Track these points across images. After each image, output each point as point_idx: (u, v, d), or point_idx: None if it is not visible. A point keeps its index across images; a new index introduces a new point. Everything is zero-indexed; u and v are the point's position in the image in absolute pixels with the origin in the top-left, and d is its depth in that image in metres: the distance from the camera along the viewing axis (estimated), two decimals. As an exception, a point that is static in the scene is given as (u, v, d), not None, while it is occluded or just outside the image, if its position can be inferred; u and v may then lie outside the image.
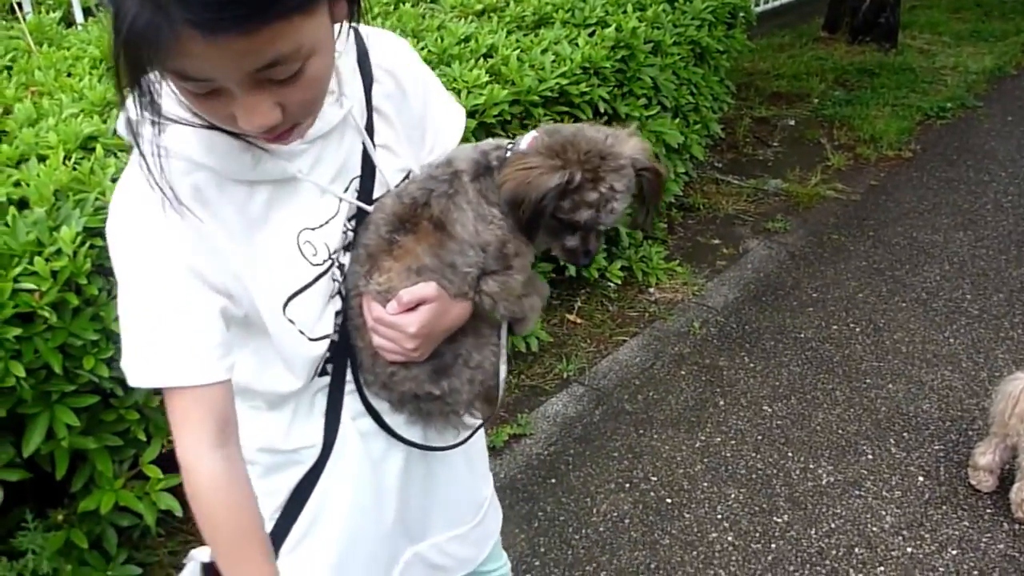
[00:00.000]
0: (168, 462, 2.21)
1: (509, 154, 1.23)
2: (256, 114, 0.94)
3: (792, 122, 5.98)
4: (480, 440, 1.54)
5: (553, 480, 2.83)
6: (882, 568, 2.50)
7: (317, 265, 1.15)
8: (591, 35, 3.43)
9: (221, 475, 1.07)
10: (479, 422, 1.41)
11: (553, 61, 3.14)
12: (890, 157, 5.45)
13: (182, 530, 2.44)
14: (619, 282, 3.83)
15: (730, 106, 5.21)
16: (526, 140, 1.23)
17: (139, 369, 1.06)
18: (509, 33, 3.29)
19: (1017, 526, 2.64)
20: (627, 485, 2.81)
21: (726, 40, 4.44)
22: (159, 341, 1.05)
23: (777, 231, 4.49)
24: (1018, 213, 4.70)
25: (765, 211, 4.73)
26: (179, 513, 2.13)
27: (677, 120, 3.93)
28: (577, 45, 3.31)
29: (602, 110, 3.35)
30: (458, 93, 2.78)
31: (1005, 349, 3.46)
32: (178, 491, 2.18)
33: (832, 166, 5.26)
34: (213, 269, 1.06)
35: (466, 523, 1.52)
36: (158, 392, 1.15)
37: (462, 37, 3.15)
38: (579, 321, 3.67)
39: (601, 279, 3.81)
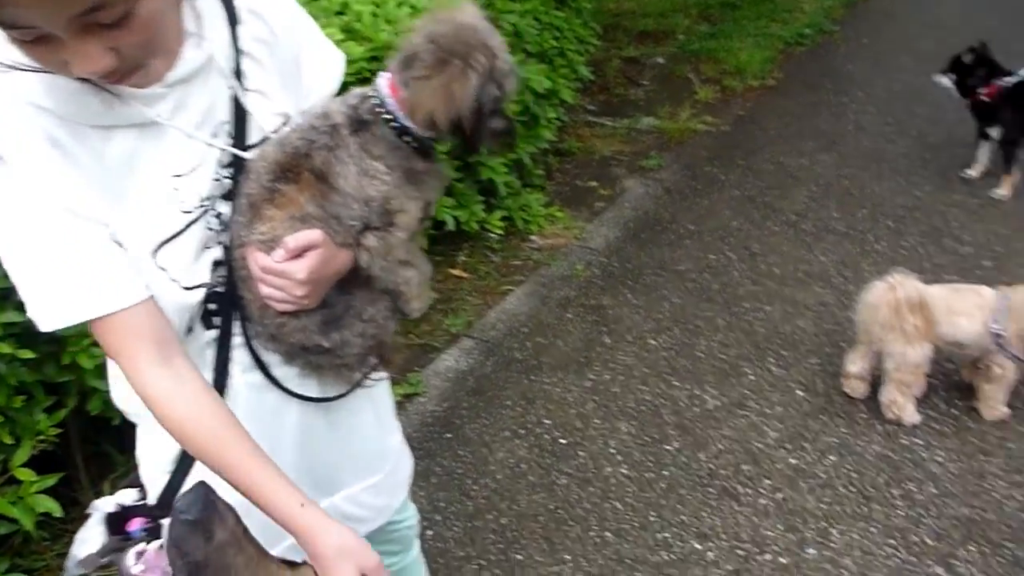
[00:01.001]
0: (43, 463, 2.12)
1: (376, 102, 1.20)
2: (87, 60, 0.92)
3: (661, 60, 6.07)
4: (384, 389, 1.53)
5: (449, 435, 2.84)
6: (768, 481, 2.61)
7: (188, 212, 1.12)
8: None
9: (174, 394, 1.08)
10: (375, 378, 1.40)
11: (409, 14, 3.08)
12: (755, 87, 5.61)
13: (67, 531, 2.35)
14: (501, 232, 3.83)
15: (597, 48, 5.25)
16: (384, 82, 1.20)
17: (51, 311, 1.04)
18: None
19: (888, 427, 2.79)
20: (522, 431, 2.84)
21: (586, -19, 4.45)
22: (64, 277, 1.03)
23: (652, 168, 4.56)
24: (877, 132, 4.90)
25: (639, 150, 4.80)
26: (59, 514, 2.05)
27: (543, 66, 3.93)
28: (431, -5, 3.25)
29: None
30: (312, 53, 2.70)
31: (871, 262, 3.62)
32: (57, 491, 2.10)
33: (701, 100, 5.38)
34: (86, 209, 1.04)
35: (377, 472, 1.51)
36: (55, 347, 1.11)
37: (313, -5, 3.05)
38: (464, 275, 3.67)
39: (482, 231, 3.80)
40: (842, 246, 3.80)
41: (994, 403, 2.81)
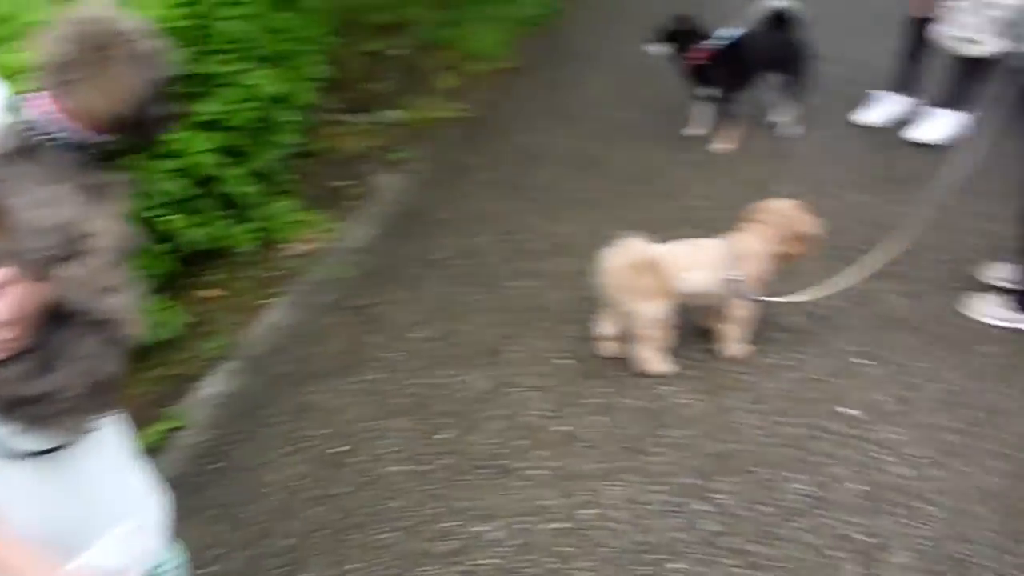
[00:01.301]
0: None
1: (34, 125, 1.13)
2: None
3: (402, 51, 6.07)
4: (114, 430, 1.44)
5: (220, 464, 2.72)
6: (541, 452, 2.70)
7: None
8: (152, -6, 3.20)
9: None
10: (102, 419, 1.32)
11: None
12: (495, 71, 5.74)
13: None
14: (253, 245, 3.71)
15: (335, 45, 5.17)
16: (41, 100, 1.13)
17: None
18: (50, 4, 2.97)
19: (644, 380, 2.97)
20: (296, 447, 2.77)
21: (309, -20, 4.36)
22: None
23: (403, 161, 4.57)
24: (611, 103, 5.17)
25: (389, 143, 4.79)
26: None
27: (275, 69, 3.82)
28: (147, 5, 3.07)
29: (188, 72, 3.16)
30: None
31: (613, 226, 3.75)
32: None
33: (445, 88, 5.43)
34: None
35: (124, 519, 1.42)
36: None
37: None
38: (218, 295, 3.51)
39: (234, 247, 3.66)
40: (588, 215, 3.99)
41: (735, 342, 3.05)
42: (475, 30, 6.22)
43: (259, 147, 3.72)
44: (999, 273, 3.41)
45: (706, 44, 4.26)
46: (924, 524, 2.41)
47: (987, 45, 3.84)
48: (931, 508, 2.46)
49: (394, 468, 2.66)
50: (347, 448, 2.75)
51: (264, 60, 3.72)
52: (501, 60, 5.86)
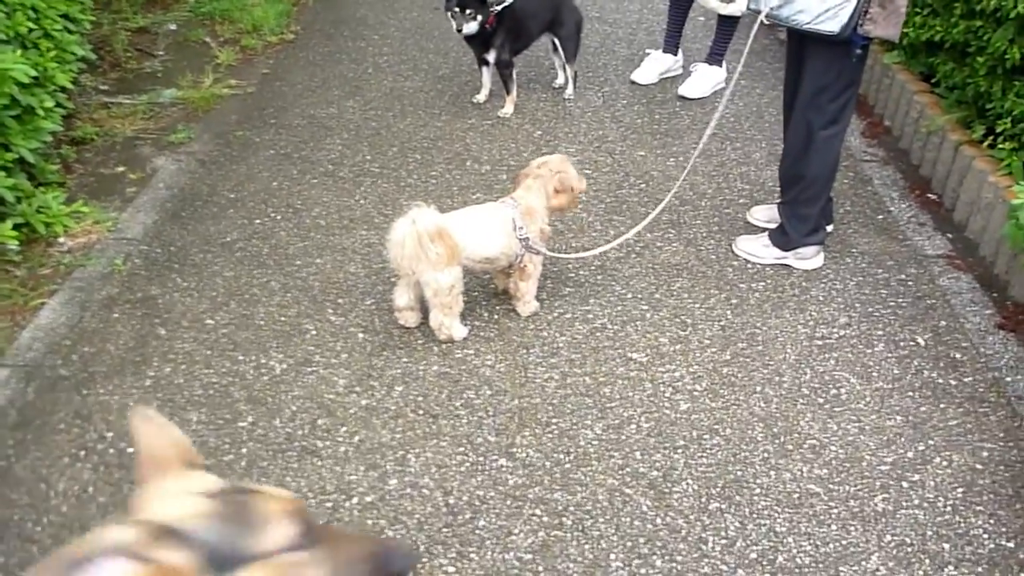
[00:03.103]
0: None
1: None
2: None
3: (173, 26, 5.75)
4: None
5: (-3, 481, 2.54)
6: (344, 428, 2.70)
7: None
8: None
9: None
10: None
11: None
12: (275, 43, 5.56)
13: None
14: (19, 243, 3.43)
15: (96, 23, 4.84)
16: None
17: None
18: None
19: (443, 346, 3.02)
20: (83, 453, 2.62)
21: (55, -47, 4.03)
22: None
23: (182, 142, 4.36)
24: (394, 71, 5.14)
25: (165, 124, 4.55)
26: None
27: (24, 52, 3.53)
28: None
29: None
30: None
31: (406, 196, 3.82)
32: None
33: (223, 64, 5.21)
34: None
35: None
36: None
37: None
38: (-18, 300, 3.24)
39: (-6, 246, 3.38)
40: (379, 186, 3.97)
41: (528, 299, 3.15)
42: (253, 2, 5.98)
43: (15, 136, 3.43)
44: (761, 214, 3.70)
45: (493, 9, 4.30)
46: (706, 453, 2.61)
47: (738, 4, 4.12)
48: (712, 437, 2.67)
49: (192, 462, 2.58)
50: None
51: (6, 43, 3.43)
52: (281, 32, 5.68)
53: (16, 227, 3.41)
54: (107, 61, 5.16)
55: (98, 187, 4.01)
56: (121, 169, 4.17)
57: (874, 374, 2.92)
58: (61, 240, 3.60)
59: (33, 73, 3.45)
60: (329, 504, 2.44)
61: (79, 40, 4.17)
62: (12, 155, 3.44)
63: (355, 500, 2.46)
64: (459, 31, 4.28)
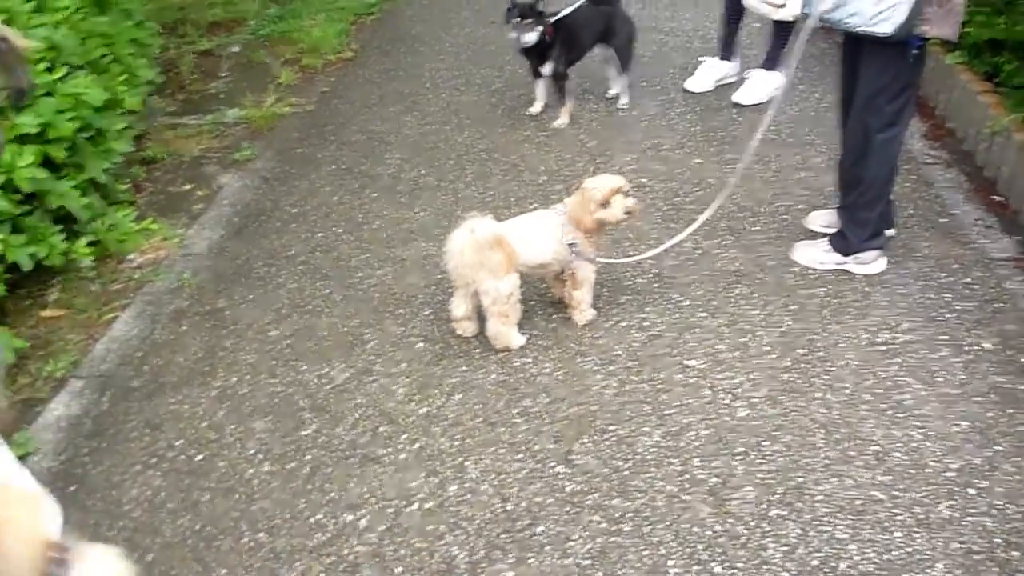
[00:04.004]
0: None
1: None
2: None
3: (236, 49, 5.93)
4: None
5: (73, 487, 2.63)
6: (405, 436, 2.74)
7: None
8: (-50, 5, 3.04)
9: None
10: None
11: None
12: (334, 62, 5.69)
13: None
14: (93, 259, 3.57)
15: (163, 47, 5.02)
16: None
17: None
18: None
19: (500, 355, 3.05)
20: (153, 460, 2.71)
21: (126, -20, 4.21)
22: None
23: (246, 160, 4.49)
24: (450, 86, 5.21)
25: (230, 143, 4.69)
26: None
27: (97, 76, 3.68)
28: (-66, 20, 2.90)
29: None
30: None
31: (463, 208, 3.85)
32: None
33: (283, 83, 5.35)
34: None
35: None
36: None
37: None
38: (59, 313, 3.38)
39: (70, 263, 3.51)
40: (436, 198, 4.03)
41: (584, 307, 3.16)
42: (312, 22, 6.13)
43: (88, 157, 3.57)
44: (820, 220, 3.66)
45: (550, 22, 4.34)
46: (766, 459, 2.59)
47: (790, 8, 4.08)
48: (772, 444, 2.64)
49: (259, 469, 2.65)
50: (208, 455, 2.72)
51: (79, 68, 3.58)
52: (340, 51, 5.80)
53: (90, 244, 3.55)
54: (174, 83, 5.34)
55: (166, 205, 4.15)
56: (188, 187, 4.30)
57: (939, 379, 2.86)
58: (132, 256, 3.74)
59: (105, 97, 3.59)
60: (391, 510, 2.48)
61: (147, 64, 4.33)
62: (86, 175, 3.58)
63: (415, 506, 2.49)
64: (520, 41, 4.31)
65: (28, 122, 3.14)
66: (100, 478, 2.66)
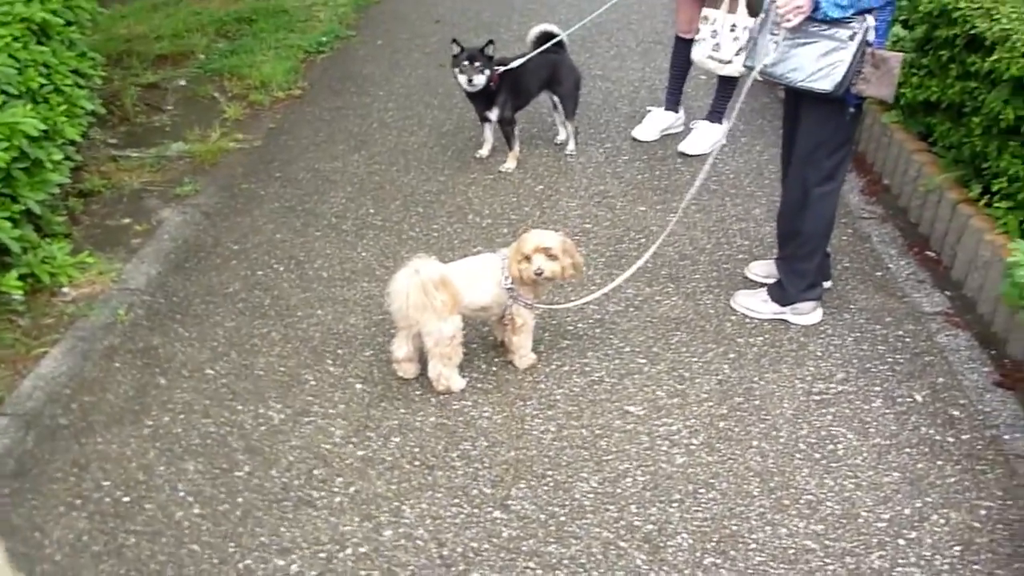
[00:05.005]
0: None
1: None
2: None
3: (183, 82, 5.89)
4: None
5: (-8, 529, 2.53)
6: (340, 479, 2.69)
7: None
8: None
9: None
10: None
11: None
12: (282, 98, 5.67)
13: None
14: (23, 293, 3.47)
15: (107, 78, 4.96)
16: None
17: None
18: None
19: (441, 397, 3.03)
20: (78, 501, 2.62)
21: (70, 11, 4.16)
22: None
23: (188, 195, 4.43)
24: (399, 126, 5.23)
25: (172, 177, 4.63)
26: None
27: (35, 106, 3.61)
28: None
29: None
30: None
31: (408, 249, 3.86)
32: None
33: (230, 118, 5.31)
34: None
35: None
36: None
37: None
38: (-15, 348, 3.27)
39: (0, 295, 3.41)
40: (381, 239, 4.02)
41: (524, 352, 3.17)
42: (262, 58, 6.11)
43: (22, 188, 3.50)
44: (759, 270, 3.73)
45: (498, 69, 4.39)
46: (702, 507, 2.60)
47: (736, 65, 4.20)
48: (708, 491, 2.66)
49: (189, 512, 2.58)
50: (136, 497, 2.64)
51: (16, 97, 3.51)
52: (288, 88, 5.79)
53: (21, 277, 3.46)
54: (117, 115, 5.27)
55: (104, 238, 4.07)
56: (127, 221, 4.23)
57: (871, 430, 2.92)
58: (65, 290, 3.65)
59: (43, 127, 3.53)
60: (323, 555, 2.43)
61: (89, 95, 4.27)
62: (19, 207, 3.50)
63: (349, 551, 2.45)
64: (468, 84, 4.34)
65: (-39, 150, 3.06)
66: (21, 519, 2.57)
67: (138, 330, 3.41)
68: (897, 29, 4.46)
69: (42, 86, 3.73)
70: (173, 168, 4.73)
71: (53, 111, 3.77)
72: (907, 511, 2.60)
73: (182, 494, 2.65)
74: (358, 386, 3.10)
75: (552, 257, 2.96)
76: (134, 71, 5.85)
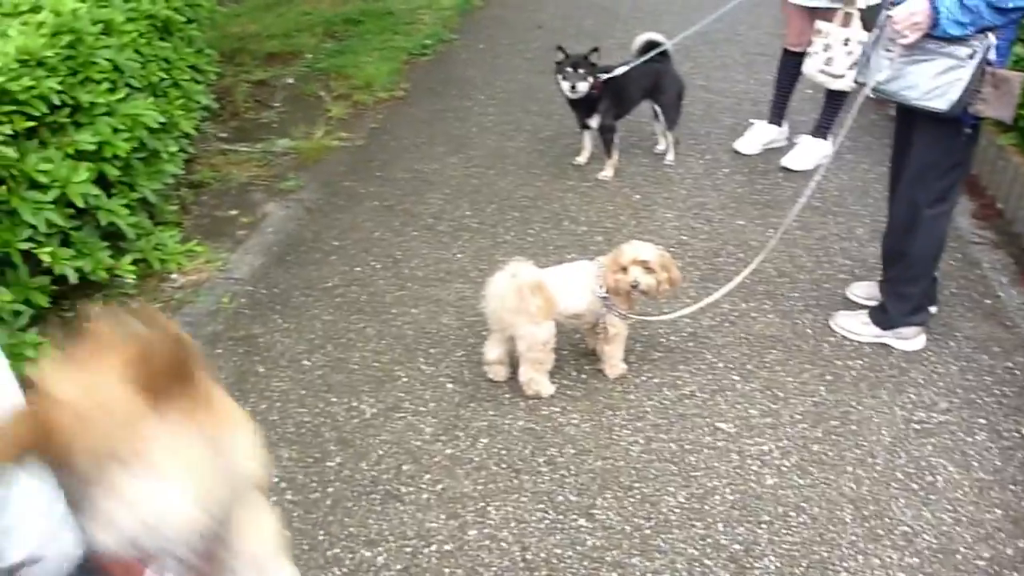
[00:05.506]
0: None
1: None
2: None
3: (291, 80, 6.06)
4: None
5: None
6: (428, 476, 2.73)
7: None
8: (24, 24, 3.14)
9: None
10: None
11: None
12: (385, 99, 5.78)
13: None
14: (136, 277, 3.62)
15: (220, 74, 5.14)
16: None
17: None
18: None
19: (529, 402, 3.04)
20: (178, 480, 2.72)
21: (191, 9, 4.33)
22: None
23: (291, 190, 4.56)
24: (498, 131, 5.27)
25: (277, 172, 4.77)
26: None
27: (155, 99, 3.78)
28: (8, 36, 3.01)
29: (58, 102, 3.10)
30: None
31: (502, 253, 3.88)
32: None
33: (334, 117, 5.44)
34: None
35: None
36: None
37: None
38: (98, 328, 3.42)
39: (114, 278, 3.57)
40: (476, 241, 4.06)
41: (615, 361, 3.15)
42: (366, 59, 6.25)
43: (140, 177, 3.66)
44: (861, 291, 3.63)
45: (601, 77, 4.39)
46: (791, 530, 2.54)
47: (847, 79, 4.09)
48: (798, 515, 2.60)
49: (283, 497, 2.65)
50: (231, 480, 2.72)
51: (139, 90, 3.68)
52: (391, 89, 5.90)
53: (134, 262, 3.61)
54: (228, 110, 5.45)
55: (211, 228, 4.22)
56: (234, 212, 4.37)
57: (974, 464, 2.80)
58: (174, 276, 3.79)
59: (161, 119, 3.68)
60: (408, 550, 2.46)
61: (204, 90, 4.44)
62: (136, 194, 3.65)
63: (434, 547, 2.48)
64: (571, 90, 4.35)
65: (86, 139, 3.22)
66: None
67: (240, 318, 3.52)
68: (1019, 49, 4.28)
69: (162, 80, 3.90)
70: (278, 163, 4.88)
71: (171, 104, 3.94)
72: (1009, 551, 2.49)
73: (276, 480, 2.72)
74: (449, 385, 3.13)
75: (649, 270, 2.94)
76: (245, 68, 6.06)
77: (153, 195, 3.76)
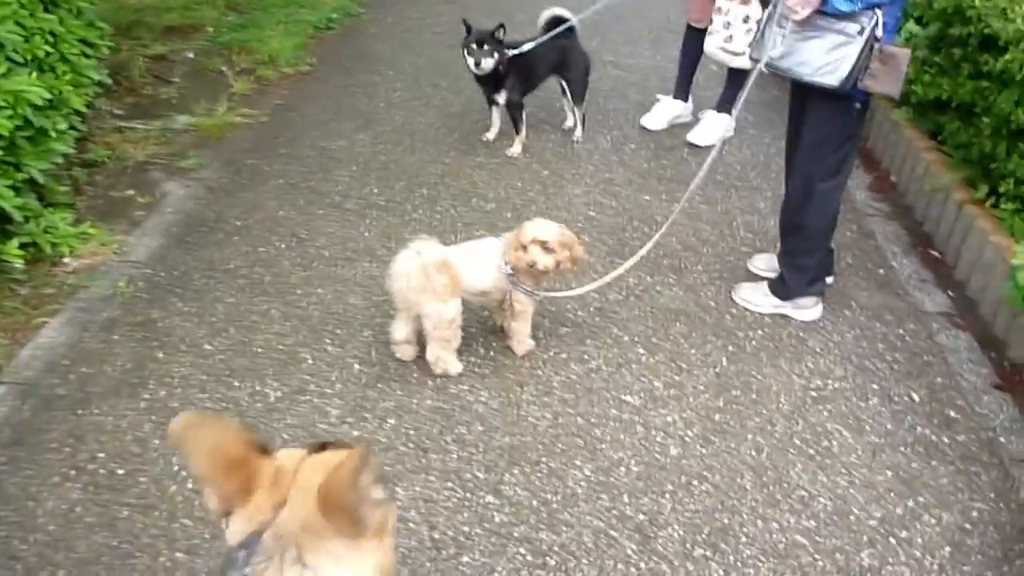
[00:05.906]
0: None
1: None
2: None
3: (191, 55, 5.86)
4: None
5: (-14, 496, 2.54)
6: (335, 458, 2.69)
7: None
8: None
9: None
10: None
11: None
12: (290, 74, 5.65)
13: None
14: (24, 262, 3.47)
15: (114, 48, 4.93)
16: None
17: None
18: None
19: (438, 381, 3.03)
20: (73, 472, 2.63)
21: (79, -21, 4.13)
22: None
23: (192, 168, 4.42)
24: (406, 107, 5.21)
25: (177, 150, 4.62)
26: None
27: (40, 74, 3.60)
28: None
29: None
30: None
31: (410, 230, 3.85)
32: None
33: (237, 93, 5.29)
34: None
35: None
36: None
37: None
38: (-16, 316, 3.28)
39: (1, 263, 3.41)
40: (384, 219, 4.01)
41: (522, 338, 3.16)
42: (271, 33, 6.09)
43: (26, 156, 3.49)
44: (762, 263, 3.72)
45: (508, 53, 4.36)
46: (694, 499, 2.60)
47: (745, 57, 4.16)
48: (701, 484, 2.66)
49: (181, 487, 2.58)
50: (131, 470, 2.64)
51: (22, 65, 3.50)
52: (297, 64, 5.77)
53: (23, 246, 3.45)
54: (123, 86, 5.24)
55: (107, 209, 4.06)
56: (130, 192, 4.22)
57: (867, 428, 2.92)
58: (67, 260, 3.64)
59: (48, 96, 3.51)
60: (314, 534, 2.43)
61: (96, 65, 4.24)
62: (23, 175, 3.49)
63: (340, 532, 2.45)
64: (476, 67, 4.31)
65: (-35, 117, 3.05)
66: (16, 488, 2.57)
67: (138, 303, 3.41)
68: (911, 26, 4.43)
69: (48, 54, 3.71)
70: (178, 141, 4.72)
71: (59, 80, 3.75)
72: (899, 510, 2.60)
73: (176, 468, 2.65)
74: (356, 366, 3.10)
75: (548, 250, 2.94)
76: (142, 42, 5.83)
77: (41, 175, 3.59)
